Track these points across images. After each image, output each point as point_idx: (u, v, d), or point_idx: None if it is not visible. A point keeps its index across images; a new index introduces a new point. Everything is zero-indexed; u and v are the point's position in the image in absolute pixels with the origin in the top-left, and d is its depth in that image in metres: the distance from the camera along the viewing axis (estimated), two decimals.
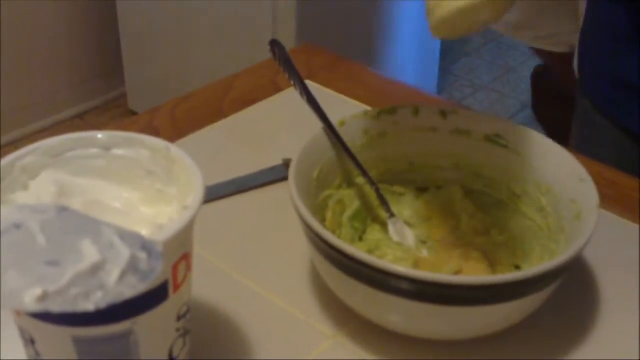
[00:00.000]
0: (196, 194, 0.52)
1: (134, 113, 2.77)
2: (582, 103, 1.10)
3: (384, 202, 0.73)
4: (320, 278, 0.68)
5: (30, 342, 0.52)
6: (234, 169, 0.84)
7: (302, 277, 0.72)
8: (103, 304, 0.41)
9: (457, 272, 0.70)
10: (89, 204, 0.55)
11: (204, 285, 0.67)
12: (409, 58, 2.64)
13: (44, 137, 0.57)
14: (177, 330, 0.55)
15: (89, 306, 0.40)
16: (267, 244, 0.76)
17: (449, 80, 3.29)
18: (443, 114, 0.76)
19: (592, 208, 0.64)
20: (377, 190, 0.73)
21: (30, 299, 0.40)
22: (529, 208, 0.73)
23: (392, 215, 0.73)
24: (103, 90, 2.95)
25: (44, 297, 0.40)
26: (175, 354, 0.56)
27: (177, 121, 0.94)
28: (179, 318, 0.54)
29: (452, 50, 3.44)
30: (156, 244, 0.45)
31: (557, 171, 0.70)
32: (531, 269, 0.59)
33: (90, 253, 0.42)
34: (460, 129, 0.75)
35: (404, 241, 0.72)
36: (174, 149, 0.56)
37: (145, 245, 0.44)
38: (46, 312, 0.40)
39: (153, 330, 0.52)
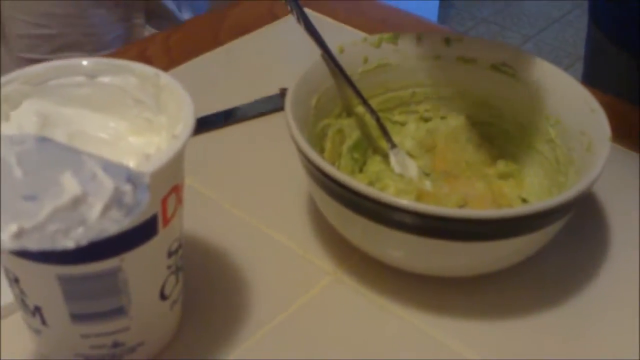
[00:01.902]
0: (186, 123, 0.49)
1: None
2: (591, 32, 1.06)
3: (385, 132, 0.71)
4: (319, 212, 0.65)
5: (14, 281, 0.50)
6: (230, 99, 0.82)
7: (301, 210, 0.70)
8: (84, 241, 0.38)
9: (461, 206, 0.68)
10: (74, 135, 0.52)
11: (199, 219, 0.65)
12: None
13: None
14: (169, 267, 0.52)
15: (68, 243, 0.38)
16: (264, 176, 0.74)
17: (449, 13, 3.25)
18: (447, 41, 0.72)
19: (604, 140, 0.61)
20: (378, 120, 0.71)
21: (5, 236, 0.37)
22: (536, 139, 0.70)
23: (393, 145, 0.70)
24: None
25: (20, 234, 0.37)
26: (167, 292, 0.53)
27: (170, 50, 0.91)
28: (170, 254, 0.52)
29: None
30: (142, 175, 0.42)
31: (567, 101, 0.67)
32: (539, 203, 0.57)
33: (70, 186, 0.39)
34: (465, 56, 0.72)
35: (406, 173, 0.70)
36: (164, 76, 0.53)
37: (131, 177, 0.41)
38: (23, 249, 0.37)
39: (143, 267, 0.50)
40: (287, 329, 0.60)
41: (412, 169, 0.70)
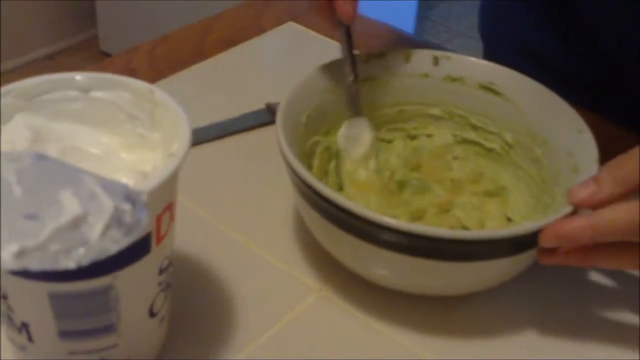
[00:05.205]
0: (182, 141, 0.49)
1: (106, 54, 2.73)
2: None
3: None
4: (306, 228, 0.65)
5: (2, 297, 0.49)
6: (215, 113, 0.81)
7: (288, 227, 0.70)
8: (85, 261, 0.38)
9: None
10: (66, 150, 0.51)
11: (185, 235, 0.64)
12: (385, 2, 2.60)
13: (14, 78, 0.53)
14: (159, 284, 0.52)
15: (70, 263, 0.37)
16: (251, 191, 0.73)
17: (424, 26, 3.26)
18: (436, 59, 0.73)
19: (591, 161, 0.62)
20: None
21: (7, 256, 0.36)
22: (522, 159, 0.70)
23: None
24: (74, 31, 2.90)
25: (21, 254, 0.37)
26: (156, 309, 0.53)
27: (156, 62, 0.91)
28: (161, 271, 0.52)
29: None
30: (141, 194, 0.42)
31: (554, 122, 0.68)
32: (527, 225, 0.57)
33: (70, 205, 0.39)
34: (453, 75, 0.72)
35: (352, 148, 0.69)
36: (159, 92, 0.53)
37: (129, 196, 0.41)
38: (24, 269, 0.37)
39: (134, 285, 0.50)
40: (273, 346, 0.59)
41: (363, 145, 0.70)
